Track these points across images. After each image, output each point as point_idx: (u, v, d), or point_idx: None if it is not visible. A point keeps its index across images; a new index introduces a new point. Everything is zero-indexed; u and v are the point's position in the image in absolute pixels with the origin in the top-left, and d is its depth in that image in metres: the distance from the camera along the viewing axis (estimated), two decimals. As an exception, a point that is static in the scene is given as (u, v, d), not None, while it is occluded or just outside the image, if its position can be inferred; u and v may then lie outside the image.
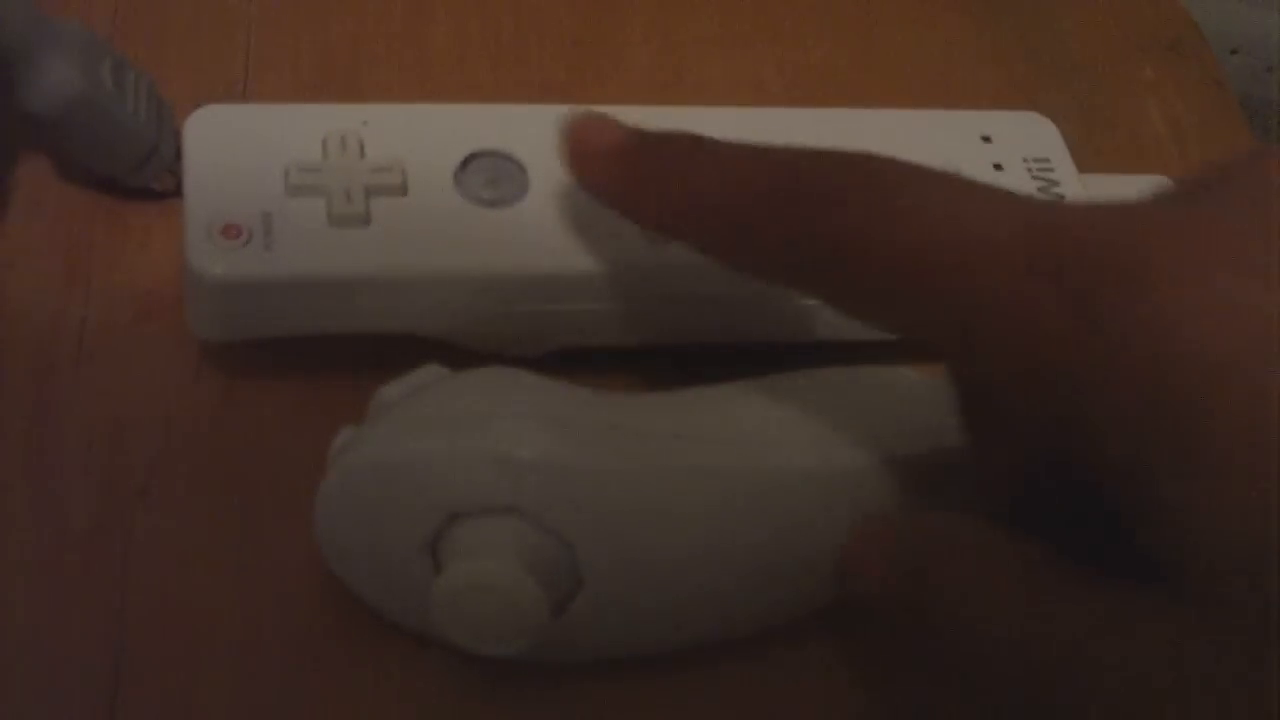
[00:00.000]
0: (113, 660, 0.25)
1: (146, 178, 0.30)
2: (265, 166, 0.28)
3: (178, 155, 0.30)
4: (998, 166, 0.32)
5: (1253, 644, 0.18)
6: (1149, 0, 0.42)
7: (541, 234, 0.28)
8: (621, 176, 0.26)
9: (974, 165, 0.32)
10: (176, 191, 0.29)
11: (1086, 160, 0.33)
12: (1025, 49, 0.40)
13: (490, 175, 0.29)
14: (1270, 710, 0.18)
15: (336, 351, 0.28)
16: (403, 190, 0.28)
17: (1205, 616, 0.19)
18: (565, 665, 0.26)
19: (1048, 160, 0.33)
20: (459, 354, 0.27)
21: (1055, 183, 0.32)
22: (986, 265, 0.21)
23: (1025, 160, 0.32)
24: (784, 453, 0.25)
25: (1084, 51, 0.41)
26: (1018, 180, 0.32)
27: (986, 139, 0.33)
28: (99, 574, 0.26)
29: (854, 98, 0.35)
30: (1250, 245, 0.19)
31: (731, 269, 0.25)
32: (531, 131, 0.27)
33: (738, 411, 0.26)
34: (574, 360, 0.29)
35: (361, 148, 0.29)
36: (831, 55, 0.39)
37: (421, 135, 0.29)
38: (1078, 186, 0.32)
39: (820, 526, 0.25)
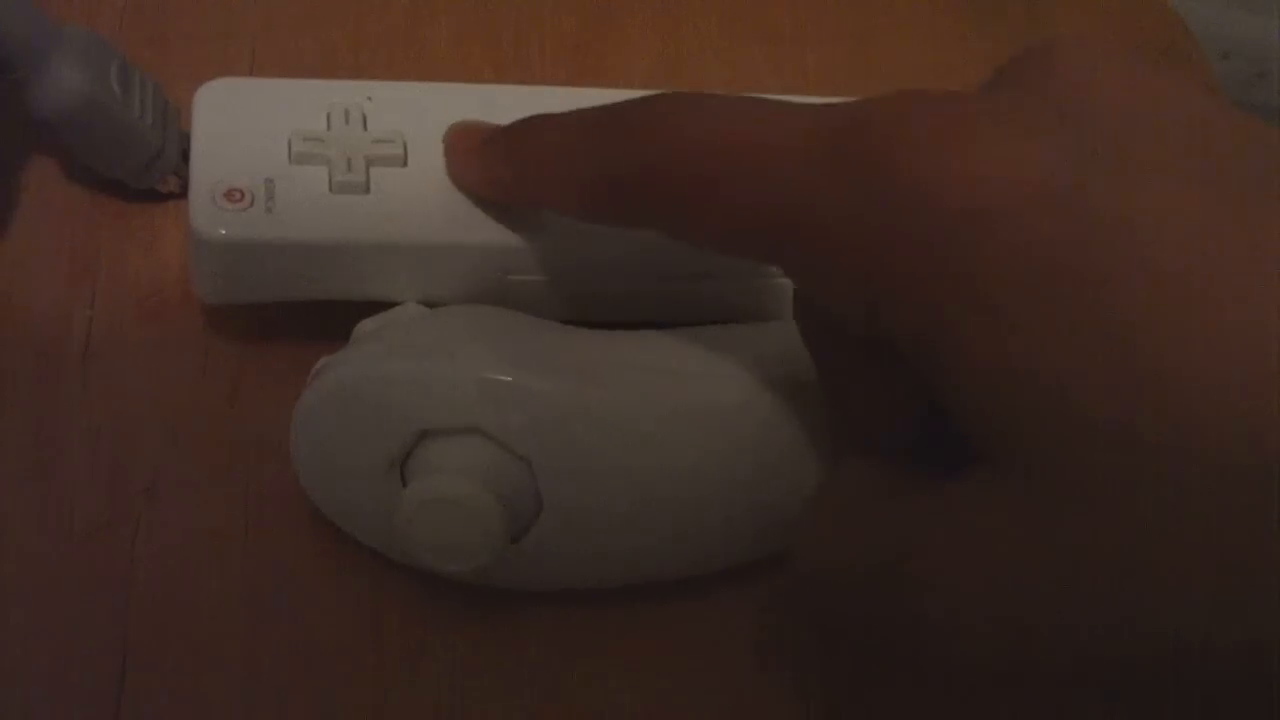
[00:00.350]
0: (118, 658, 0.25)
1: (152, 180, 0.30)
2: (270, 135, 0.28)
3: (184, 157, 0.30)
4: None
5: (1054, 500, 0.18)
6: (1143, 5, 0.42)
7: None
8: (482, 162, 0.27)
9: None
10: (182, 194, 0.29)
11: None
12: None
13: None
14: (1066, 563, 0.18)
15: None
16: (403, 161, 0.29)
17: (1012, 485, 0.18)
18: (526, 593, 0.27)
19: None
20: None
21: None
22: (770, 166, 0.21)
23: None
24: (744, 391, 0.26)
25: (1079, 56, 0.41)
26: None
27: None
28: (105, 572, 0.26)
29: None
30: (1015, 113, 0.19)
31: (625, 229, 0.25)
32: (529, 111, 0.27)
33: (699, 351, 0.27)
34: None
35: (364, 120, 0.29)
36: (830, 56, 0.39)
37: (423, 111, 0.29)
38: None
39: (773, 466, 0.26)
